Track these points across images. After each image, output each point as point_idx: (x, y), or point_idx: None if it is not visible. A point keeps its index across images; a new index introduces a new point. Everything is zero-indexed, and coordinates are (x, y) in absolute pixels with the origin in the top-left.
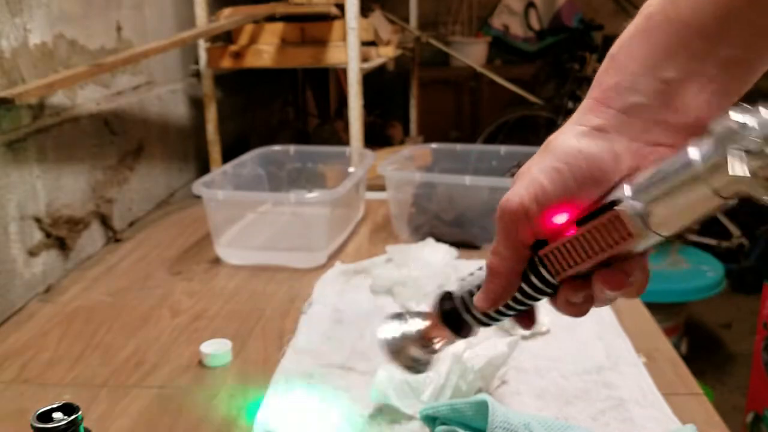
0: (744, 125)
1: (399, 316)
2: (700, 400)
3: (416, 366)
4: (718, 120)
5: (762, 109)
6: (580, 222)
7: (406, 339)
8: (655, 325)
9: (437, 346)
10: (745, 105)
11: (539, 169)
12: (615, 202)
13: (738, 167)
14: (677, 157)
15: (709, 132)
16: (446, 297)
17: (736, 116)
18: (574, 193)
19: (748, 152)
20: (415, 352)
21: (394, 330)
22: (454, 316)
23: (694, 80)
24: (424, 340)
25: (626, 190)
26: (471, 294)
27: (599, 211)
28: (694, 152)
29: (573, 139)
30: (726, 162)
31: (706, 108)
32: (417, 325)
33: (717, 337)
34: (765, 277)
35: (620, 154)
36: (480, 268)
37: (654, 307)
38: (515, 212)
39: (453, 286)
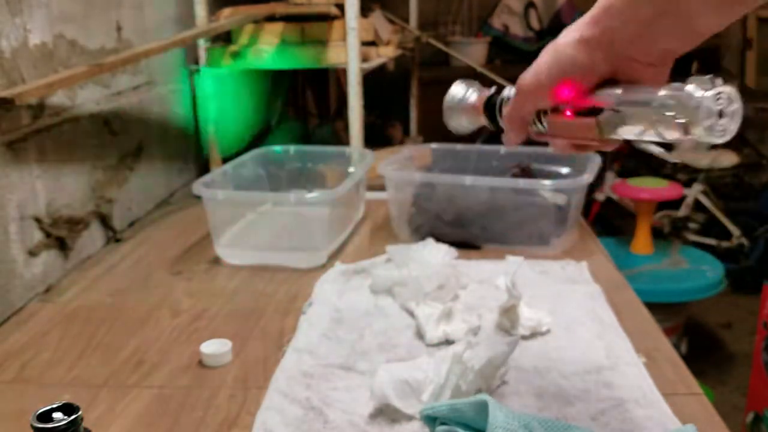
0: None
1: (468, 83)
2: (700, 400)
3: (458, 128)
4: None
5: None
6: (578, 113)
7: (461, 104)
8: (655, 325)
9: (476, 123)
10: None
11: (543, 60)
12: (598, 110)
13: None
14: (651, 90)
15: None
16: (497, 91)
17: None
18: (565, 77)
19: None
20: (463, 119)
21: (459, 91)
22: (491, 109)
23: (665, 18)
24: (472, 111)
25: (610, 98)
26: (508, 100)
27: (590, 112)
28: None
29: (567, 45)
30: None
31: (672, 43)
32: (473, 97)
33: (717, 337)
34: (765, 277)
35: (597, 61)
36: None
37: (654, 307)
38: (529, 82)
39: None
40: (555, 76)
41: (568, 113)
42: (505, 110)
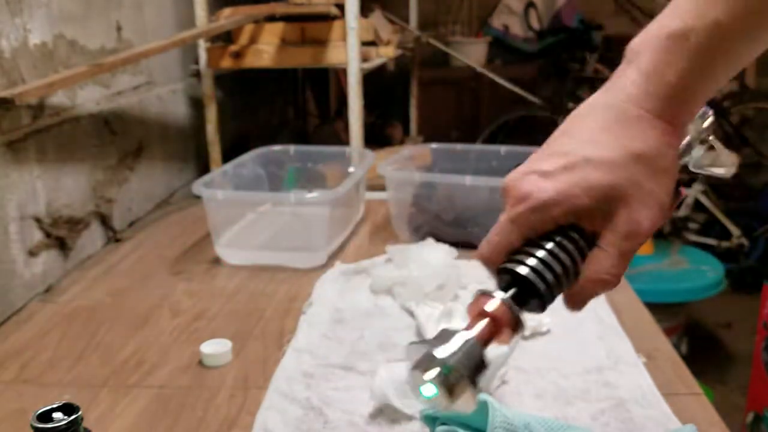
0: None
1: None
2: (700, 400)
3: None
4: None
5: None
6: None
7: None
8: (655, 325)
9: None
10: None
11: (664, 193)
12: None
13: None
14: None
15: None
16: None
17: None
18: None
19: None
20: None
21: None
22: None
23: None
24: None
25: None
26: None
27: None
28: None
29: (673, 161)
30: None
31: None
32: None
33: (717, 337)
34: (765, 277)
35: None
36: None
37: (654, 307)
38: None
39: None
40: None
41: None
42: (602, 265)
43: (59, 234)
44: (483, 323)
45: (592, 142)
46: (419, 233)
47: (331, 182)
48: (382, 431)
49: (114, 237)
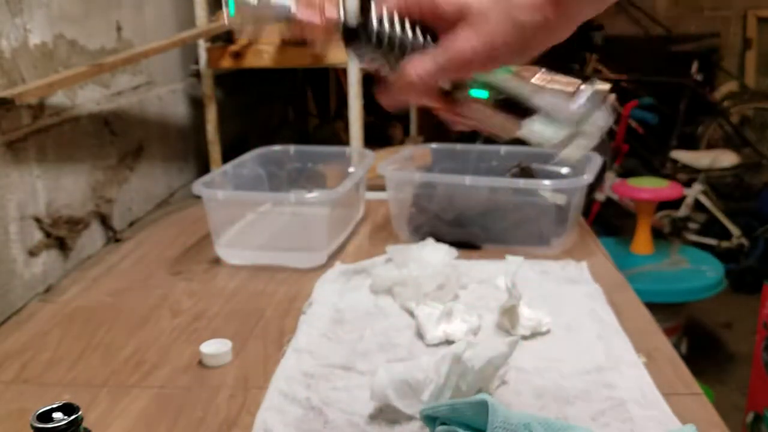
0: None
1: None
2: (700, 400)
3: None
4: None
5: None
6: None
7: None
8: (655, 325)
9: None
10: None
11: (500, 28)
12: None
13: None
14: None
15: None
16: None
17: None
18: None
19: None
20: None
21: None
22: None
23: None
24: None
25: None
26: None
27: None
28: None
29: (531, 7)
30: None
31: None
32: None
33: (717, 337)
34: (765, 277)
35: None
36: None
37: (654, 307)
38: (481, 50)
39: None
40: (516, 48)
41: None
42: (419, 62)
43: (59, 234)
44: (312, 16)
45: None
46: (419, 233)
47: (331, 182)
48: (382, 431)
49: (114, 237)
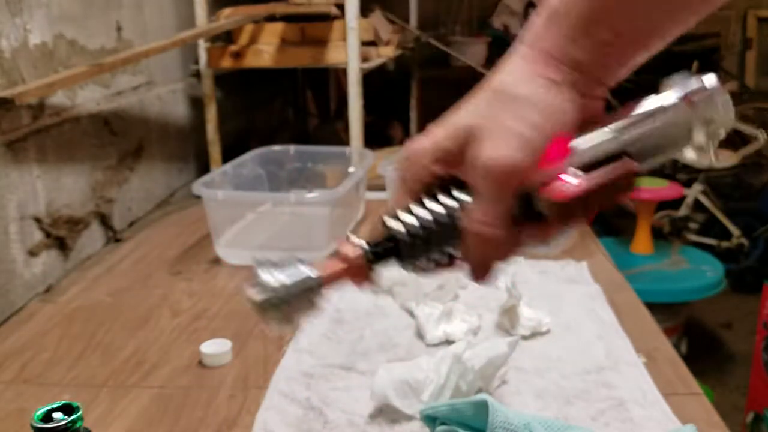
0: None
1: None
2: (700, 400)
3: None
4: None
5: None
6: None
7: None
8: (655, 325)
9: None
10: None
11: (521, 123)
12: (622, 154)
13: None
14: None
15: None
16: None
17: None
18: (548, 142)
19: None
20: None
21: (272, 278)
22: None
23: (624, 41)
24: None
25: (611, 134)
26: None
27: (605, 161)
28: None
29: (542, 91)
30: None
31: (630, 66)
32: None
33: (717, 337)
34: (765, 277)
35: (569, 107)
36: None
37: (654, 307)
38: (512, 170)
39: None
40: (548, 138)
41: (571, 179)
42: (470, 211)
43: (59, 234)
44: (336, 265)
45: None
46: None
47: (331, 182)
48: (382, 431)
49: (114, 237)
